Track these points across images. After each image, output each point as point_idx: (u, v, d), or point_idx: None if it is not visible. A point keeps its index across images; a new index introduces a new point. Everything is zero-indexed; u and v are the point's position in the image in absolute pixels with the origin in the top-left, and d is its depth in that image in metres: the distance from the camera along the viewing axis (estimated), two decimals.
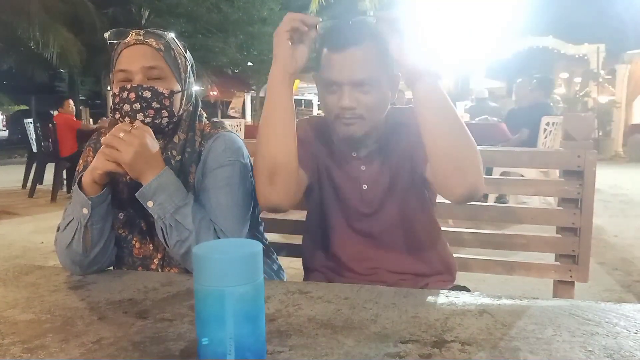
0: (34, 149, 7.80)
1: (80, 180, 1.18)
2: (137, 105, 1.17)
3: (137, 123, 1.16)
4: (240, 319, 0.61)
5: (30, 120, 7.75)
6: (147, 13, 17.21)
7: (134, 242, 1.27)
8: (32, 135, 7.73)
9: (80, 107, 15.13)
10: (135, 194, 1.15)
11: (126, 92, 1.18)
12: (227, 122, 7.64)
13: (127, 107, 1.18)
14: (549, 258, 1.65)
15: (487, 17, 11.21)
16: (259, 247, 0.62)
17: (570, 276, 1.57)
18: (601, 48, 14.03)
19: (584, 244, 1.54)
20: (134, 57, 1.21)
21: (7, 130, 18.05)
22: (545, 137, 5.26)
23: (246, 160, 1.31)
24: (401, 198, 1.34)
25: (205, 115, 1.37)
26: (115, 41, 1.23)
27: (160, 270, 1.26)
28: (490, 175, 4.47)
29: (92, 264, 1.21)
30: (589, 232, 1.54)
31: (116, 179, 1.23)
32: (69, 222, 1.19)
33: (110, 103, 1.30)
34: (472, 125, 6.05)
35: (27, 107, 19.27)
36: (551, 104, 6.48)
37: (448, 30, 11.19)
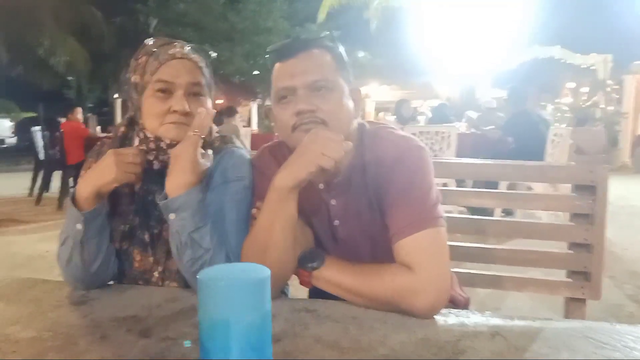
0: (41, 156, 7.82)
1: (73, 195, 1.16)
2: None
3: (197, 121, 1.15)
4: (246, 350, 0.58)
5: (38, 127, 7.79)
6: (154, 22, 17.32)
7: (134, 254, 1.25)
8: (39, 143, 7.76)
9: (88, 115, 15.19)
10: (159, 203, 1.12)
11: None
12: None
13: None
14: (559, 274, 1.61)
15: (493, 27, 11.20)
16: (266, 272, 0.59)
17: (583, 293, 1.54)
18: (609, 58, 13.98)
19: (596, 260, 1.50)
20: (180, 71, 1.20)
21: (16, 137, 18.12)
22: (553, 149, 5.22)
23: (252, 177, 1.29)
24: (380, 236, 1.14)
25: (216, 128, 1.36)
26: (156, 49, 1.21)
27: (160, 283, 1.24)
28: (496, 188, 4.43)
29: (94, 279, 1.19)
30: (601, 249, 1.50)
31: (119, 189, 1.21)
32: (65, 239, 1.17)
33: (119, 110, 1.27)
34: (479, 136, 6.02)
35: (36, 114, 19.37)
36: (542, 112, 6.36)
37: (454, 40, 11.19)
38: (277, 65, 1.19)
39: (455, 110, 9.29)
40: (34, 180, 8.04)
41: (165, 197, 1.11)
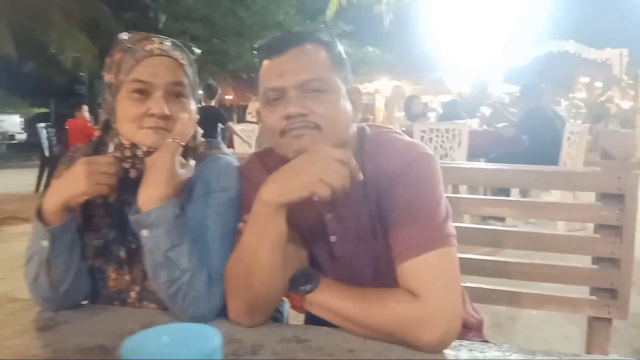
0: (47, 153, 7.77)
1: (39, 207, 1.03)
2: None
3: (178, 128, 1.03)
4: None
5: (43, 124, 7.74)
6: (163, 18, 17.24)
7: (109, 272, 1.13)
8: (45, 140, 7.71)
9: (100, 111, 15.21)
10: (130, 218, 1.00)
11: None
12: (242, 127, 7.51)
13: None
14: (582, 291, 1.47)
15: (506, 21, 10.96)
16: (215, 342, 0.46)
17: (609, 312, 1.39)
18: (624, 53, 13.68)
19: (625, 277, 1.36)
20: (159, 70, 1.07)
21: (25, 133, 18.21)
22: (570, 147, 5.03)
23: (240, 187, 1.15)
24: (384, 255, 1.01)
25: (201, 132, 1.22)
26: (132, 46, 1.08)
27: (138, 304, 1.12)
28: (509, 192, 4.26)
29: (63, 300, 1.07)
30: (630, 264, 1.36)
31: (91, 200, 1.08)
32: (31, 256, 1.05)
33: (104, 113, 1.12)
34: (492, 134, 5.84)
35: (48, 110, 19.43)
36: (557, 108, 6.14)
37: (466, 34, 10.98)
38: (265, 62, 1.05)
39: (466, 106, 9.09)
40: (39, 177, 8.00)
41: (138, 211, 0.99)
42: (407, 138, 1.07)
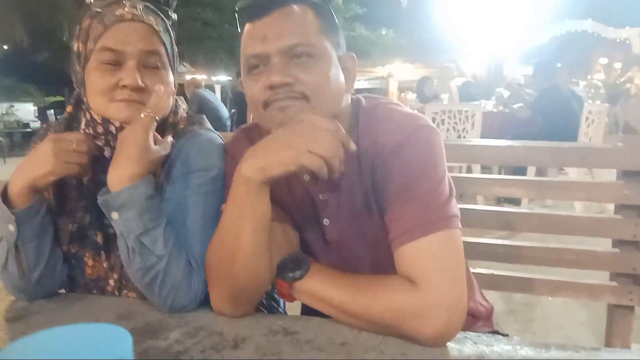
0: None
1: (4, 189, 0.95)
2: None
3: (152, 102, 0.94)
4: None
5: (52, 112, 7.73)
6: (174, 3, 17.12)
7: (85, 259, 1.05)
8: None
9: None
10: (98, 200, 0.92)
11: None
12: None
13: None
14: (602, 277, 1.36)
15: (521, 0, 10.67)
16: (123, 347, 0.36)
17: (630, 300, 1.29)
18: None
19: None
20: (130, 37, 0.97)
21: (39, 122, 18.35)
22: (588, 127, 4.86)
23: (224, 166, 1.05)
24: (381, 239, 0.91)
25: (184, 107, 1.12)
26: (100, 10, 0.98)
27: (117, 293, 1.04)
28: (525, 173, 4.12)
29: (37, 288, 0.99)
30: None
31: (65, 181, 1.00)
32: None
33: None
34: (507, 115, 5.68)
35: (63, 98, 19.51)
36: (575, 88, 5.93)
37: (481, 15, 10.73)
38: (246, 26, 0.94)
39: (481, 88, 8.89)
40: None
41: (107, 192, 0.90)
42: (406, 109, 0.96)
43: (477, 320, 1.09)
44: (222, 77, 17.31)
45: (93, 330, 0.40)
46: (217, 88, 15.47)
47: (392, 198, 0.88)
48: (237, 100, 7.90)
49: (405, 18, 14.64)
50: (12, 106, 17.04)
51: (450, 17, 11.47)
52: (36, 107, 18.33)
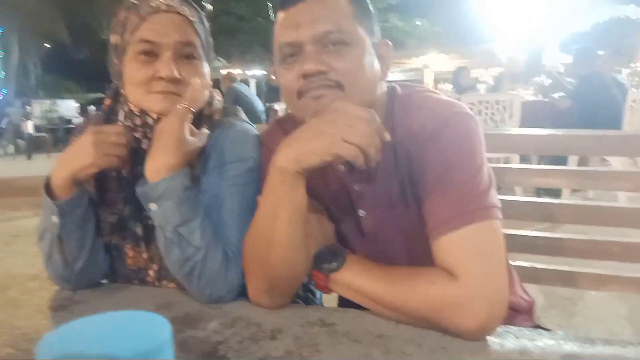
0: None
1: (47, 181, 0.97)
2: None
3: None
4: None
5: (93, 107, 7.94)
6: None
7: (126, 250, 1.07)
8: None
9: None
10: (136, 191, 0.94)
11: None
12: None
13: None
14: None
15: None
16: (162, 334, 0.36)
17: None
18: None
19: None
20: (166, 28, 0.98)
21: (82, 118, 18.90)
22: (632, 116, 4.67)
23: (259, 157, 1.06)
24: (418, 230, 0.89)
25: (219, 99, 1.13)
26: (137, 2, 1.00)
27: (157, 283, 1.06)
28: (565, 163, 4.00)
29: (80, 278, 1.02)
30: None
31: (105, 173, 1.02)
32: (43, 232, 1.00)
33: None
34: (546, 104, 5.52)
35: (103, 95, 20.08)
36: (617, 76, 5.71)
37: (517, 0, 10.44)
38: (280, 14, 0.94)
39: (519, 77, 8.67)
40: None
41: (145, 183, 0.91)
42: (442, 96, 0.94)
43: (518, 314, 1.06)
44: (257, 71, 17.43)
45: (133, 318, 0.41)
46: (252, 82, 15.59)
47: (429, 188, 0.86)
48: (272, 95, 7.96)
49: (439, 7, 14.36)
50: (55, 103, 17.61)
51: (486, 3, 11.18)
52: (78, 104, 18.87)
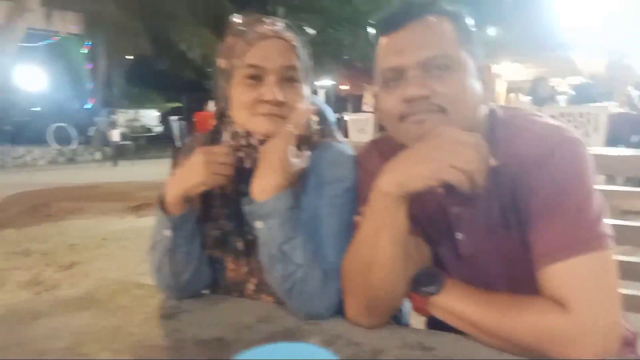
0: (178, 144, 8.37)
1: (162, 198, 1.05)
2: None
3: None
4: None
5: (176, 117, 8.35)
6: (281, 10, 17.72)
7: (227, 263, 1.13)
8: (176, 132, 8.30)
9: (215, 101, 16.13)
10: (244, 209, 0.99)
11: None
12: (356, 116, 7.45)
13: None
14: None
15: None
16: None
17: None
18: None
19: None
20: (271, 53, 1.03)
21: (163, 127, 19.88)
22: None
23: (355, 177, 1.08)
24: (519, 256, 0.89)
25: (315, 119, 1.17)
26: (245, 28, 1.06)
27: (255, 296, 1.11)
28: None
29: (185, 288, 1.09)
30: None
31: (210, 190, 1.08)
32: (154, 244, 1.08)
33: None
34: (634, 118, 5.21)
35: (181, 104, 21.01)
36: None
37: (599, 3, 9.89)
38: (382, 39, 0.95)
39: (602, 88, 8.21)
40: (172, 166, 8.63)
41: (252, 202, 0.96)
42: (548, 120, 0.92)
43: (624, 346, 1.02)
44: (326, 82, 17.63)
45: (308, 352, 0.44)
46: (321, 92, 15.78)
47: (537, 213, 0.85)
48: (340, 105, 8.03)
49: (511, 13, 13.85)
50: (138, 112, 18.66)
51: (563, 7, 10.65)
52: (159, 113, 19.88)
